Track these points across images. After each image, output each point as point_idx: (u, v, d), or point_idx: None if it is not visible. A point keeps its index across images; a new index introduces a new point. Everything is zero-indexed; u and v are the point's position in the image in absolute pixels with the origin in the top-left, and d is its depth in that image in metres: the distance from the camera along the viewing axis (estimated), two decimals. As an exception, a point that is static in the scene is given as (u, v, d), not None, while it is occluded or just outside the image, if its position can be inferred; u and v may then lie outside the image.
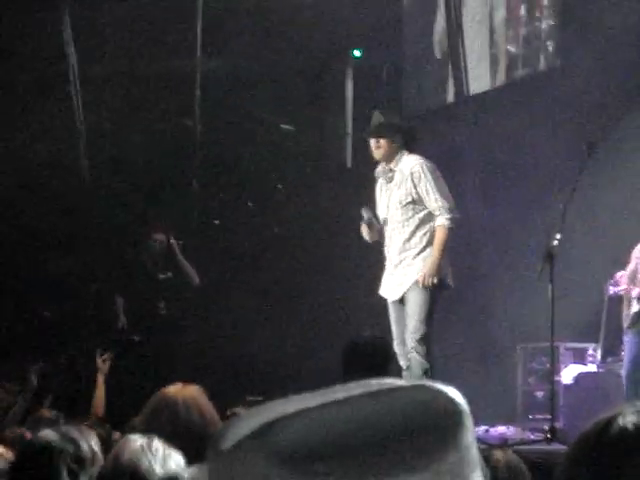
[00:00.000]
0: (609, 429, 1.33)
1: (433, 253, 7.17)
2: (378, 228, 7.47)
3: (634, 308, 8.40)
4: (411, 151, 7.42)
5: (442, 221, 7.21)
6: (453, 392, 1.15)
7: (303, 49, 12.30)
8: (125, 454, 2.84)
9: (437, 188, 7.24)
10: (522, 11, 10.85)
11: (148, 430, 3.07)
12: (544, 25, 10.51)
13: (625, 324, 8.52)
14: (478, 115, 11.05)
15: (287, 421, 1.09)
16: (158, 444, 2.90)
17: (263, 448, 1.07)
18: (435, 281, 7.11)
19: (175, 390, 3.35)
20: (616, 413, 1.34)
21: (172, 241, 10.43)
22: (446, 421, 1.12)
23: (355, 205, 7.76)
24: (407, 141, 7.41)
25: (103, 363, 8.24)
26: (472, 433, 1.17)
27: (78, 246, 11.52)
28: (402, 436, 1.09)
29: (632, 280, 8.44)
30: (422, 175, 7.25)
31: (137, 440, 2.90)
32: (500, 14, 11.09)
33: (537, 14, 10.65)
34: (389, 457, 1.08)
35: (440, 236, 7.19)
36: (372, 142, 7.41)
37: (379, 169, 7.48)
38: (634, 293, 8.41)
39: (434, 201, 7.22)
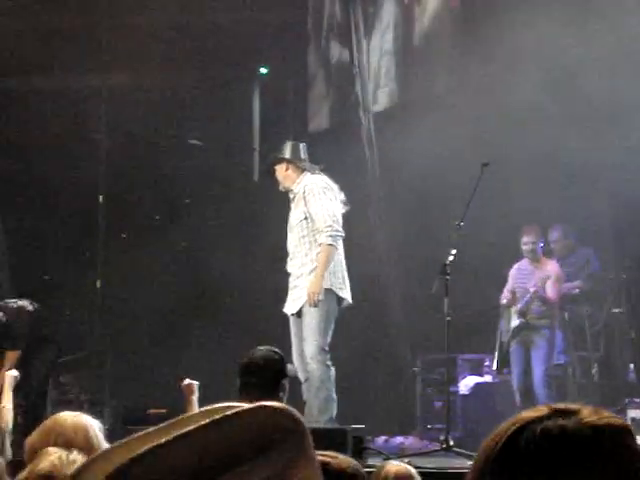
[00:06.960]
0: (517, 438, 1.29)
1: (316, 272, 7.38)
2: None
3: (514, 322, 8.80)
4: (312, 170, 7.66)
5: (322, 239, 7.45)
6: (292, 410, 1.24)
7: (210, 66, 12.40)
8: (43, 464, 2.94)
9: (322, 206, 7.47)
10: (418, 35, 11.13)
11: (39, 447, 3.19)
12: (441, 48, 10.79)
13: (505, 338, 8.90)
14: (381, 131, 11.27)
15: (138, 463, 1.17)
16: (77, 456, 3.00)
17: None
18: (319, 298, 7.28)
19: (67, 415, 3.46)
20: (518, 421, 1.31)
21: None
22: (289, 438, 1.20)
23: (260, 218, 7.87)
24: (301, 162, 7.67)
25: None
26: (313, 448, 1.25)
27: None
28: (247, 458, 1.17)
29: (513, 297, 8.91)
30: (311, 193, 7.52)
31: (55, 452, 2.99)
32: (399, 38, 11.34)
33: (434, 38, 10.93)
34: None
35: (322, 255, 7.42)
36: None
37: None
38: (513, 309, 8.86)
39: (318, 220, 7.44)
